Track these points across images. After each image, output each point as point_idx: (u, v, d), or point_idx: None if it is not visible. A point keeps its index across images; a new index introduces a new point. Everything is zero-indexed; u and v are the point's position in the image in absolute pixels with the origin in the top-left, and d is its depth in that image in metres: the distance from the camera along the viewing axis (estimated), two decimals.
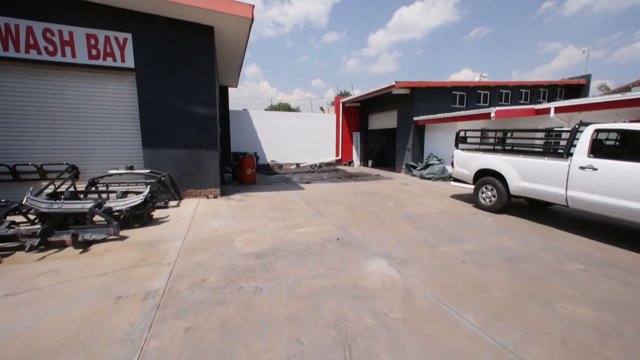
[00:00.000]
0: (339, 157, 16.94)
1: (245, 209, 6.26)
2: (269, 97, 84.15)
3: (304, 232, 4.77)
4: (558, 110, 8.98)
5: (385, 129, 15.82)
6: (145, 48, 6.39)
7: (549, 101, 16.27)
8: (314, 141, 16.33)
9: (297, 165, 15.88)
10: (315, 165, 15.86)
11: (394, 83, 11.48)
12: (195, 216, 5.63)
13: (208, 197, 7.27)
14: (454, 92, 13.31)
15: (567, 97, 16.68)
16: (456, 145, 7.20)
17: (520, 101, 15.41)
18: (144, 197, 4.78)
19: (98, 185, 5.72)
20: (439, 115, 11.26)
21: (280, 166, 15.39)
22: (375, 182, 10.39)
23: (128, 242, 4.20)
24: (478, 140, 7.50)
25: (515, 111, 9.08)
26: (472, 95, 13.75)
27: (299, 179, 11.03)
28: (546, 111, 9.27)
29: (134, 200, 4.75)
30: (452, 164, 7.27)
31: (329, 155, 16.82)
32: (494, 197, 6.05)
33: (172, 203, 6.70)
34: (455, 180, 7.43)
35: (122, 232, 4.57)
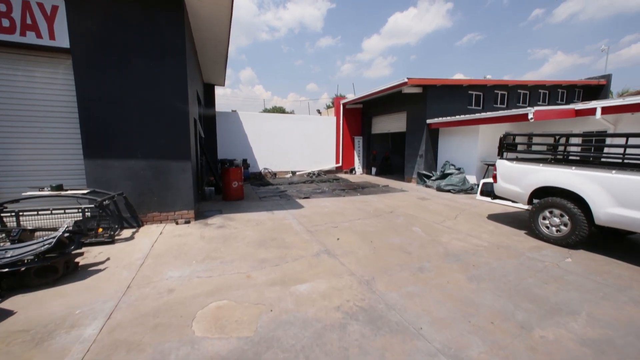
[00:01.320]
0: (340, 164, 15.30)
1: (224, 243, 4.54)
2: (263, 100, 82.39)
3: (309, 293, 3.07)
4: (606, 110, 7.49)
5: (391, 133, 14.25)
6: (86, 23, 4.67)
7: (567, 102, 14.95)
8: (311, 146, 14.68)
9: (293, 173, 14.19)
10: (314, 174, 14.18)
11: (405, 80, 9.93)
12: (148, 259, 3.89)
13: (177, 223, 5.52)
14: (469, 92, 11.83)
15: (585, 98, 15.38)
16: (500, 154, 5.60)
17: (538, 102, 14.02)
18: (54, 240, 3.03)
19: (2, 214, 3.94)
20: (459, 117, 9.72)
21: (274, 175, 13.68)
22: (386, 196, 8.75)
23: None
24: (525, 147, 5.92)
25: (554, 112, 7.58)
26: (489, 95, 12.28)
27: (295, 192, 9.34)
28: (589, 112, 7.75)
29: (36, 246, 3.01)
30: (494, 178, 5.66)
31: (329, 162, 15.17)
32: (565, 226, 4.43)
33: (127, 232, 4.94)
34: (495, 196, 5.84)
35: (13, 300, 2.81)
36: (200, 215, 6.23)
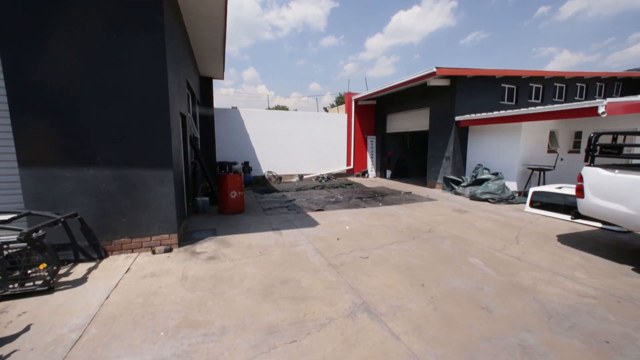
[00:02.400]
0: (351, 167, 13.88)
1: (214, 290, 3.14)
2: (267, 97, 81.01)
3: None
4: None
5: (409, 132, 12.77)
6: None
7: (605, 97, 13.39)
8: (320, 147, 13.27)
9: (300, 177, 12.79)
10: (323, 177, 12.76)
11: (433, 70, 8.48)
12: (91, 327, 2.49)
13: (154, 252, 4.13)
14: (502, 85, 10.34)
15: (626, 93, 13.83)
16: (588, 160, 4.15)
17: (575, 97, 12.49)
18: None
19: None
20: (500, 113, 8.26)
21: (279, 179, 12.28)
22: (414, 207, 7.32)
23: None
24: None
25: (633, 105, 6.09)
26: (523, 89, 10.79)
27: (305, 202, 7.93)
28: None
29: None
30: (579, 192, 4.21)
31: (339, 164, 13.75)
32: None
33: (80, 269, 3.57)
34: (577, 215, 4.41)
35: None
36: (187, 237, 4.85)
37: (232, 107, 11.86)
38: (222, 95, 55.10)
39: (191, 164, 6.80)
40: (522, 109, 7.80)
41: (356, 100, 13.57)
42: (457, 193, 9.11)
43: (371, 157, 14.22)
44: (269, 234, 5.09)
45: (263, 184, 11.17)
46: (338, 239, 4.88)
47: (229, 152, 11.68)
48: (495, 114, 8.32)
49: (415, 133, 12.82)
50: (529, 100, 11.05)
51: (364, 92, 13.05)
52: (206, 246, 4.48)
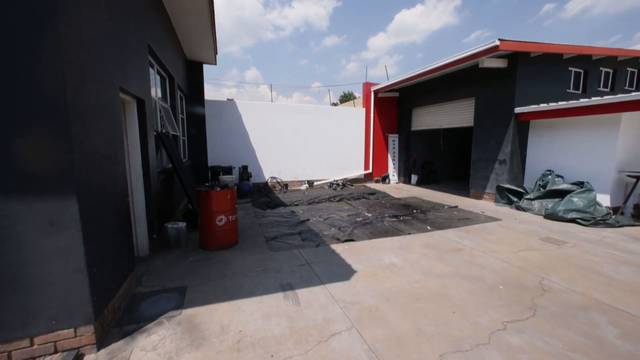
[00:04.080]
0: (369, 171, 11.69)
1: None
2: (269, 100, 79.03)
3: None
4: None
5: (443, 130, 10.55)
6: None
7: None
8: (333, 148, 11.10)
9: (310, 184, 10.62)
10: (337, 184, 10.59)
11: (495, 43, 6.27)
12: None
13: None
14: (569, 68, 8.13)
15: None
16: None
17: None
18: None
19: None
20: (591, 101, 6.08)
21: (285, 186, 10.12)
22: (478, 232, 5.13)
23: None
24: None
25: None
26: (593, 74, 8.57)
27: (324, 223, 5.76)
28: None
29: None
30: None
31: (355, 168, 11.58)
32: None
33: None
34: None
35: None
36: (127, 315, 2.68)
37: (228, 99, 9.71)
38: (225, 95, 53.16)
39: (158, 174, 4.65)
40: (623, 95, 5.60)
41: (376, 92, 11.38)
42: (519, 208, 6.90)
43: (393, 160, 12.03)
44: (275, 301, 2.93)
45: (266, 194, 9.01)
46: (400, 315, 2.71)
47: (223, 155, 9.54)
48: (584, 102, 6.11)
49: (453, 130, 10.62)
50: (598, 89, 8.82)
51: (384, 83, 10.87)
52: (156, 342, 2.32)
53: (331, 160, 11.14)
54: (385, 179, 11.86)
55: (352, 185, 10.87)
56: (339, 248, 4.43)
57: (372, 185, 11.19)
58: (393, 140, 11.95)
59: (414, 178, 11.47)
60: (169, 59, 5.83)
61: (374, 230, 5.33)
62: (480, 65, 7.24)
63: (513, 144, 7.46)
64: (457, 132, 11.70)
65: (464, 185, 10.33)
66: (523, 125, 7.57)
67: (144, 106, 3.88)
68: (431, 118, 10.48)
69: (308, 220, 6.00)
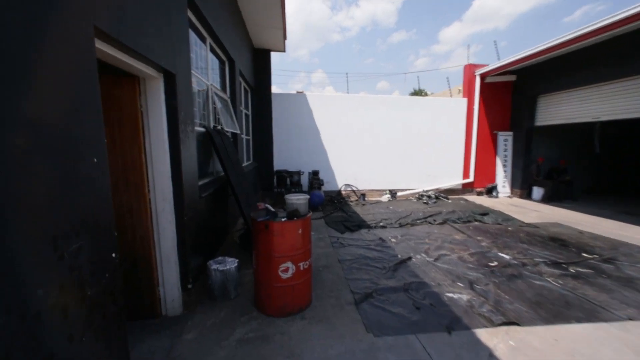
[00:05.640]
0: (469, 180, 9.00)
1: None
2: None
3: None
4: None
5: (600, 124, 7.23)
6: None
7: None
8: (423, 150, 8.79)
9: (393, 194, 8.52)
10: (428, 196, 8.26)
11: None
12: None
13: None
14: None
15: None
16: None
17: None
18: None
19: None
20: None
21: (362, 196, 8.23)
22: None
23: None
24: None
25: None
26: None
27: (435, 266, 3.68)
28: None
29: None
30: None
31: (450, 175, 9.03)
32: None
33: None
34: None
35: None
36: None
37: (297, 92, 8.30)
38: None
39: (202, 188, 3.24)
40: None
41: (483, 76, 8.63)
42: None
43: (504, 166, 9.06)
44: None
45: (340, 207, 7.24)
46: None
47: (290, 157, 8.15)
48: None
49: (621, 122, 7.32)
50: None
51: (495, 63, 8.05)
52: None
53: (420, 165, 8.83)
54: (491, 190, 8.99)
55: (447, 199, 8.38)
56: (492, 339, 2.34)
57: (476, 199, 8.50)
58: (505, 139, 8.98)
59: (537, 191, 8.35)
60: (228, 36, 4.51)
61: (539, 296, 3.04)
62: None
63: None
64: (617, 126, 8.16)
65: (626, 205, 6.93)
66: None
67: (175, 84, 2.44)
68: (574, 107, 7.30)
69: (410, 259, 3.99)
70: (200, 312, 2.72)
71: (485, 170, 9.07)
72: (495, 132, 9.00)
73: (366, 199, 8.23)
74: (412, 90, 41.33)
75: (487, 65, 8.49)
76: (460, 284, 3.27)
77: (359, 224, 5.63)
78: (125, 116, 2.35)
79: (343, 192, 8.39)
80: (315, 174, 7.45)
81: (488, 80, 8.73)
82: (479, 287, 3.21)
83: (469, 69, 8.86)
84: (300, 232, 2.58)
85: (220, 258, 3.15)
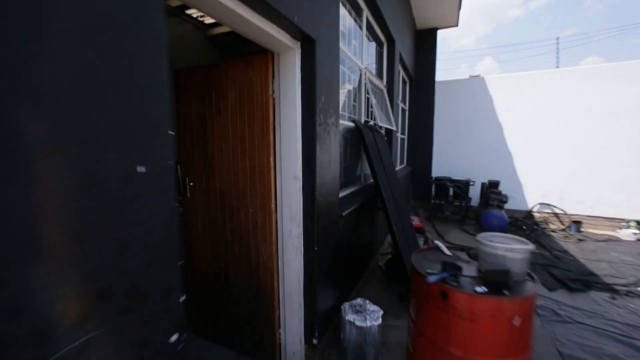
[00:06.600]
0: None
1: None
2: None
3: None
4: None
5: None
6: None
7: None
8: None
9: (633, 227, 5.09)
10: None
11: None
12: None
13: None
14: None
15: None
16: None
17: None
18: None
19: None
20: None
21: (575, 225, 5.32)
22: None
23: None
24: None
25: None
26: None
27: None
28: None
29: None
30: None
31: None
32: None
33: None
34: None
35: None
36: None
37: (471, 76, 6.37)
38: None
39: (344, 201, 2.40)
40: None
41: None
42: None
43: None
44: None
45: (534, 238, 4.87)
46: None
47: (453, 162, 6.38)
48: None
49: None
50: None
51: None
52: None
53: None
54: None
55: None
56: None
57: None
58: None
59: None
60: (390, 8, 3.55)
61: None
62: None
63: None
64: None
65: None
66: None
67: (315, 53, 1.67)
68: None
69: None
70: None
71: None
72: None
73: (582, 230, 5.29)
74: None
75: None
76: None
77: (585, 279, 3.35)
78: (257, 106, 1.82)
79: (537, 215, 5.78)
80: (493, 185, 5.38)
81: None
82: None
83: None
84: (516, 321, 1.25)
85: (359, 301, 2.24)
